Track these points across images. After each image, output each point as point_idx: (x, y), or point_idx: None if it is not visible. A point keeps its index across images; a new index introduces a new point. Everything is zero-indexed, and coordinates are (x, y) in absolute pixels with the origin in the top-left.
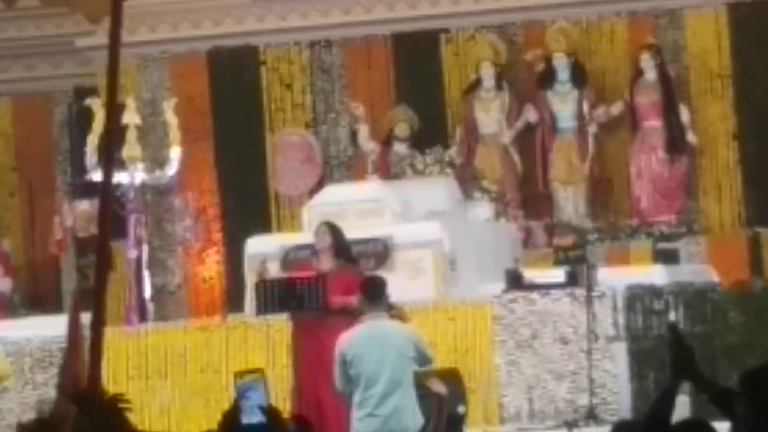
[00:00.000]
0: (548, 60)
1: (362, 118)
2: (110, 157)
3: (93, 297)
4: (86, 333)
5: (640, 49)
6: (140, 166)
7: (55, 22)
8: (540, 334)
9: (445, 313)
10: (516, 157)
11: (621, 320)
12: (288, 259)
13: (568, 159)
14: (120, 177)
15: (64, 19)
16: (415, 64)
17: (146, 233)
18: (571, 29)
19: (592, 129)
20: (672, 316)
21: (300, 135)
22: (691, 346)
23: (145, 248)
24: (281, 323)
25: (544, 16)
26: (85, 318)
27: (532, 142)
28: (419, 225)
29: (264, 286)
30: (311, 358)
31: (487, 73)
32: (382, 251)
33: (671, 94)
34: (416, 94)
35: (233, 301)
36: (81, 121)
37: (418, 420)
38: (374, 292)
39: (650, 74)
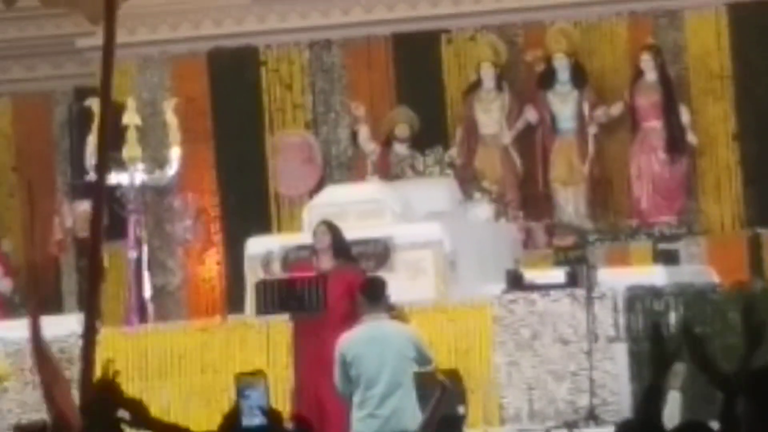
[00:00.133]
0: (548, 60)
1: (362, 118)
2: (103, 165)
3: (86, 302)
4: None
5: (640, 50)
6: (140, 166)
7: (56, 22)
8: (540, 334)
9: (445, 313)
10: (516, 158)
11: (621, 321)
12: (288, 259)
13: (569, 159)
14: (120, 177)
15: (64, 19)
16: (416, 65)
17: (146, 234)
18: (571, 30)
19: (592, 129)
20: (672, 317)
21: (300, 135)
22: (701, 338)
23: (145, 249)
24: (281, 324)
25: (544, 16)
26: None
27: (533, 143)
28: (419, 226)
29: (264, 286)
30: (312, 358)
31: (488, 74)
32: (382, 252)
33: (671, 94)
34: (416, 94)
35: (233, 301)
36: (81, 121)
37: (418, 420)
38: (374, 293)
39: (650, 75)
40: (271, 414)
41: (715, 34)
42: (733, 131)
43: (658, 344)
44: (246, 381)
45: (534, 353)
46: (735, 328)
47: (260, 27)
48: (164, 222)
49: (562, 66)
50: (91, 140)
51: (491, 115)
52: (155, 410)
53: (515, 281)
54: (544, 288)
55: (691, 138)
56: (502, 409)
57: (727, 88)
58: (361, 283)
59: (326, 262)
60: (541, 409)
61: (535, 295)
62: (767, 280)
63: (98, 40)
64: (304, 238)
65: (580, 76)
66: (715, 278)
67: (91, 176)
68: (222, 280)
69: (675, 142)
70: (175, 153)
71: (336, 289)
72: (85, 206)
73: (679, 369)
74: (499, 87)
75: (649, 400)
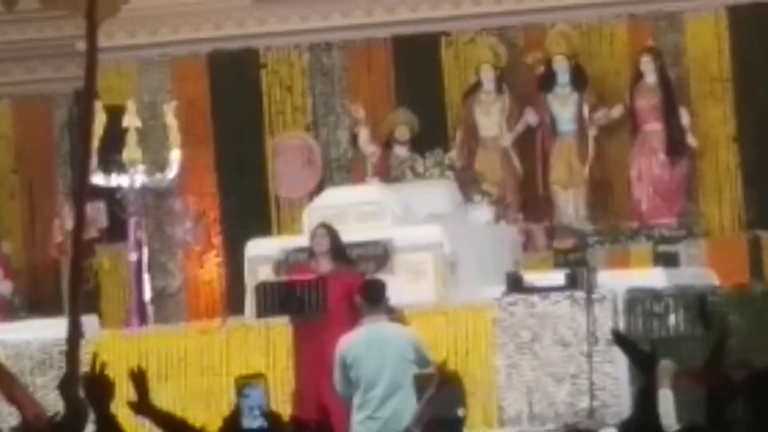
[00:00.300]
0: (548, 63)
1: (362, 121)
2: (84, 176)
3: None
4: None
5: (640, 52)
6: (140, 168)
7: (56, 25)
8: (540, 336)
9: (445, 315)
10: (516, 160)
11: (621, 323)
12: (288, 261)
13: (569, 162)
14: (120, 180)
15: (64, 21)
16: (416, 67)
17: (146, 236)
18: (571, 32)
19: (592, 132)
20: (672, 319)
21: (300, 138)
22: (635, 340)
23: (145, 251)
24: (281, 326)
25: (544, 19)
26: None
27: (533, 145)
28: (419, 228)
29: (264, 288)
30: (312, 360)
31: (488, 76)
32: (382, 254)
33: (671, 97)
34: (416, 96)
35: (233, 303)
36: (81, 123)
37: None
38: (374, 295)
39: (650, 77)
40: (271, 416)
41: (715, 36)
42: (733, 133)
43: (631, 348)
44: (246, 383)
45: (534, 355)
46: (735, 330)
47: (260, 29)
48: (164, 224)
49: (562, 68)
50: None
51: (491, 118)
52: None
53: (515, 283)
54: (544, 290)
55: (691, 140)
56: (502, 411)
57: (726, 90)
58: (361, 286)
59: (325, 265)
60: (541, 412)
61: (535, 298)
62: (767, 282)
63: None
64: (304, 240)
65: (580, 79)
66: (715, 280)
67: (91, 178)
68: (222, 283)
69: (675, 145)
70: (175, 155)
71: (336, 292)
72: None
73: (668, 366)
74: (499, 89)
75: (643, 401)
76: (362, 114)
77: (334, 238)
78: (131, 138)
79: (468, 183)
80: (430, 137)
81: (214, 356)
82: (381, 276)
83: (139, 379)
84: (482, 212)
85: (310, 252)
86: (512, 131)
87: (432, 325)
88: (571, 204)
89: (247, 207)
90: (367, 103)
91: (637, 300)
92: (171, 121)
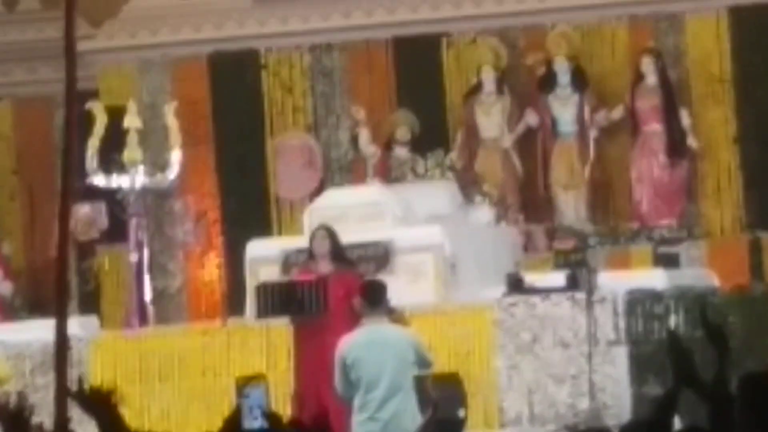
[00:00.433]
0: (549, 64)
1: (363, 121)
2: (68, 180)
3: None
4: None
5: (640, 54)
6: (141, 169)
7: (57, 25)
8: (540, 338)
9: (446, 317)
10: (517, 161)
11: (621, 324)
12: (288, 262)
13: (569, 163)
14: (121, 180)
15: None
16: (416, 68)
17: (147, 237)
18: (572, 33)
19: (592, 133)
20: (672, 320)
21: (301, 139)
22: (690, 352)
23: (146, 252)
24: (282, 327)
25: (545, 20)
26: (76, 321)
27: (533, 146)
28: (420, 229)
29: (264, 289)
30: (312, 361)
31: (488, 77)
32: (382, 255)
33: (672, 98)
34: (417, 98)
35: (234, 304)
36: (82, 124)
37: (419, 423)
38: (374, 296)
39: (651, 78)
40: (272, 417)
41: (716, 37)
42: (734, 135)
43: (677, 352)
44: (247, 384)
45: (534, 356)
46: (735, 332)
47: (261, 30)
48: (165, 225)
49: (562, 69)
50: (92, 143)
51: (492, 119)
52: (155, 413)
53: (516, 284)
54: (545, 291)
55: (692, 141)
56: (503, 412)
57: (727, 91)
58: (362, 287)
59: (325, 266)
60: (542, 413)
61: (535, 299)
62: (767, 283)
63: (99, 43)
64: (305, 241)
65: (580, 80)
66: (716, 282)
67: (92, 179)
68: (222, 283)
69: (675, 146)
70: (175, 156)
71: (336, 293)
72: (85, 209)
73: None
74: (499, 90)
75: (667, 406)
76: (363, 115)
77: (334, 239)
78: (132, 138)
79: (468, 184)
80: (430, 138)
81: (215, 357)
82: (381, 277)
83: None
84: (483, 213)
85: (311, 253)
86: (513, 132)
87: (432, 326)
88: (571, 205)
89: (248, 208)
90: (368, 104)
91: (638, 301)
92: (171, 121)
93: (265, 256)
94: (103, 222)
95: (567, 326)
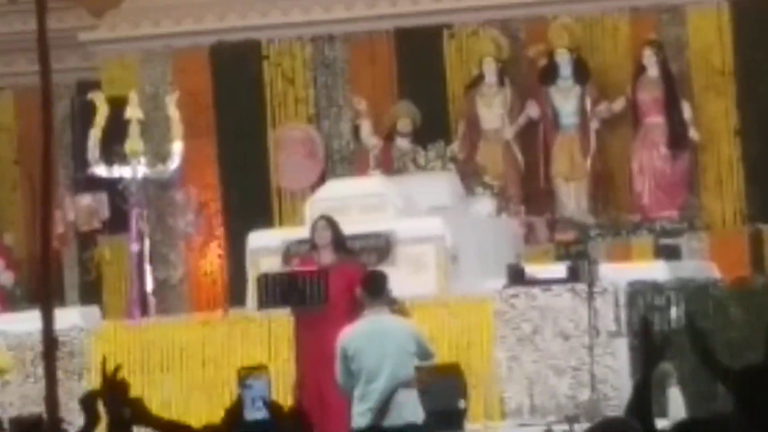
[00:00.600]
0: (551, 56)
1: (365, 113)
2: (48, 177)
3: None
4: None
5: (642, 46)
6: (142, 160)
7: (58, 16)
8: (541, 329)
9: (447, 308)
10: (518, 153)
11: (622, 316)
12: (290, 253)
13: (570, 155)
14: (122, 171)
15: (67, 13)
16: (418, 60)
17: (148, 227)
18: (573, 25)
19: (594, 125)
20: (673, 312)
21: (302, 130)
22: (705, 331)
23: (147, 242)
24: (283, 318)
25: (546, 11)
26: (77, 311)
27: (535, 138)
28: (421, 220)
29: (266, 280)
30: (313, 352)
31: (490, 69)
32: (383, 246)
33: (673, 90)
34: (419, 89)
35: (235, 295)
36: (83, 115)
37: (419, 414)
38: (376, 287)
39: (652, 70)
40: (274, 407)
41: (717, 29)
42: (735, 127)
43: (649, 339)
44: (249, 374)
45: (535, 348)
46: (736, 323)
47: (263, 21)
48: (166, 216)
49: (564, 61)
50: (93, 134)
51: (493, 110)
52: (156, 403)
53: (516, 276)
54: (546, 283)
55: (693, 134)
56: (503, 403)
57: (729, 84)
58: (363, 278)
59: (327, 257)
60: (542, 404)
61: (536, 290)
62: None
63: (101, 34)
64: (306, 232)
65: (582, 72)
66: (717, 274)
67: (94, 170)
68: (223, 274)
69: (677, 138)
70: (177, 147)
71: (337, 284)
72: (87, 200)
73: (668, 367)
74: (501, 82)
75: (643, 393)
76: (364, 106)
77: (336, 230)
78: (133, 129)
79: (470, 175)
80: (432, 129)
81: (216, 348)
82: (382, 268)
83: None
84: (484, 205)
85: (312, 244)
86: (514, 124)
87: (433, 318)
88: (572, 197)
89: (249, 199)
90: (370, 96)
91: (639, 293)
92: (173, 112)
93: (267, 247)
94: (105, 212)
95: (568, 318)
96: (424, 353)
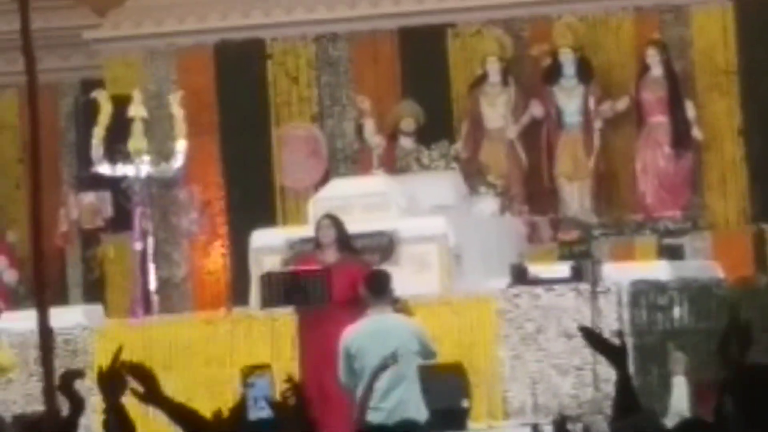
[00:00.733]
0: (554, 55)
1: (368, 112)
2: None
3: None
4: None
5: (646, 45)
6: (146, 158)
7: (62, 14)
8: (544, 328)
9: (450, 307)
10: (521, 152)
11: (626, 315)
12: (293, 252)
13: (574, 154)
14: (126, 169)
15: (71, 11)
16: (422, 59)
17: (152, 226)
18: (577, 24)
19: (597, 124)
20: (677, 311)
21: (306, 129)
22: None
23: (151, 241)
24: (286, 316)
25: (550, 11)
26: (80, 309)
27: (538, 137)
28: (424, 219)
29: (269, 279)
30: (316, 351)
31: (493, 68)
32: (387, 245)
33: (677, 89)
34: (422, 88)
35: (238, 294)
36: (87, 113)
37: (423, 413)
38: (379, 286)
39: (656, 70)
40: (277, 406)
41: (721, 29)
42: (739, 126)
43: (601, 343)
44: (252, 374)
45: (538, 347)
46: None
47: (266, 20)
48: (170, 214)
49: (567, 60)
50: (97, 132)
51: (497, 110)
52: None
53: (520, 275)
54: (549, 282)
55: (697, 133)
56: (506, 402)
57: (732, 83)
58: (366, 277)
59: (331, 256)
60: (545, 403)
61: (539, 290)
62: None
63: (105, 32)
64: (309, 231)
65: (585, 71)
66: (720, 273)
67: (97, 168)
68: (227, 273)
69: (680, 137)
70: (180, 145)
71: (341, 282)
72: (90, 198)
73: (681, 356)
74: (504, 81)
75: (622, 396)
76: (368, 105)
77: (340, 228)
78: (137, 128)
79: (473, 175)
80: (435, 129)
81: (219, 346)
82: (386, 267)
83: (145, 372)
84: (487, 204)
85: (316, 243)
86: (518, 123)
87: (436, 317)
88: (576, 196)
89: (253, 197)
90: (373, 95)
91: (642, 292)
92: (177, 111)
93: (270, 246)
94: (108, 211)
95: (571, 317)
96: (427, 352)
